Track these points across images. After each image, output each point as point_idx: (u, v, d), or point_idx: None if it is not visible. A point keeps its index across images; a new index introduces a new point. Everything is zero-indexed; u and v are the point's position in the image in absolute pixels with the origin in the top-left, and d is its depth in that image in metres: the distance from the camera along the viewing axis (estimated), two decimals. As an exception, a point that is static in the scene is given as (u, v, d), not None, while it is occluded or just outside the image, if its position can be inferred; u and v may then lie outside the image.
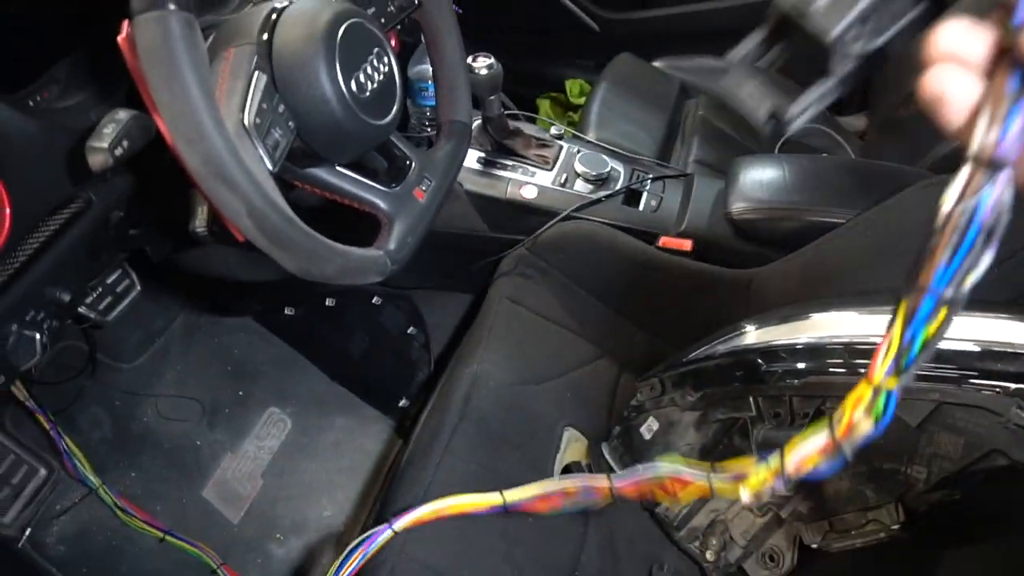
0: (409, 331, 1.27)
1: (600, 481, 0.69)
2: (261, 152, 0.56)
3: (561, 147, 1.16)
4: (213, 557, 1.11)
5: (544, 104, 1.79)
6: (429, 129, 1.21)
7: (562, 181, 1.11)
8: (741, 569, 0.96)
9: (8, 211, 0.52)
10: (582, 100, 1.78)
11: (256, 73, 0.59)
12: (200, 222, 0.64)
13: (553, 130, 1.19)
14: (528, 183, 1.10)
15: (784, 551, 0.93)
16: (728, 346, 0.93)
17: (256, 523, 1.17)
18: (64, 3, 0.68)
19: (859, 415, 0.36)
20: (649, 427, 1.01)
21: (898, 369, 0.34)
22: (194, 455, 1.23)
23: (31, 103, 0.63)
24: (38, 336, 0.63)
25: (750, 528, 0.92)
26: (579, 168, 1.11)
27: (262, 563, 1.13)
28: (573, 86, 1.78)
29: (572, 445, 1.02)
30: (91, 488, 1.14)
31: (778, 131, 0.38)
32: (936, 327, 0.33)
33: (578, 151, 1.14)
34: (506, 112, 1.12)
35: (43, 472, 1.13)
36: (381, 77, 0.67)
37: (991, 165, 0.30)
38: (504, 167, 1.12)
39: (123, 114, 0.58)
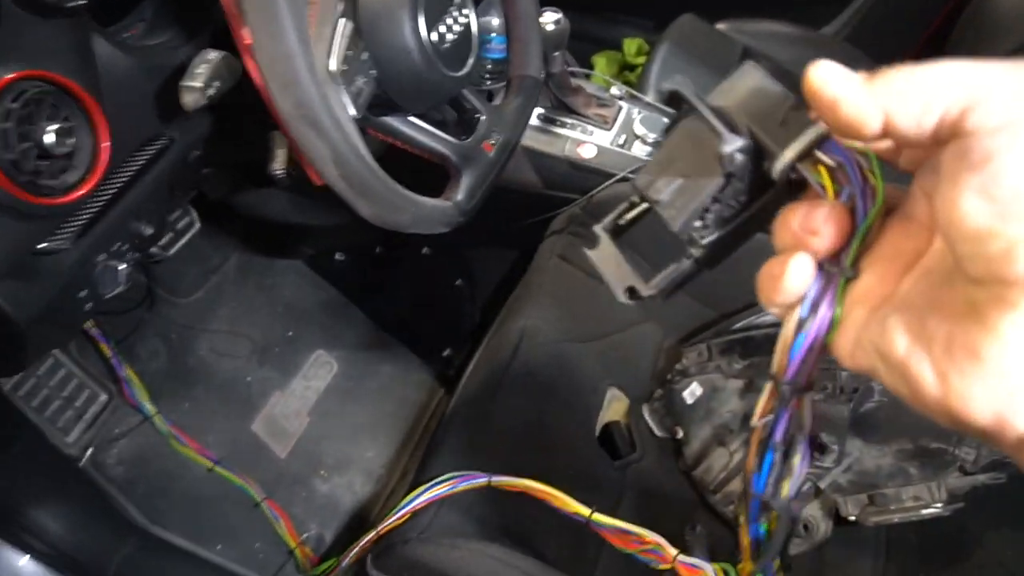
0: (457, 283, 1.29)
1: (666, 551, 0.73)
2: (346, 99, 0.57)
3: (620, 107, 1.15)
4: (257, 491, 1.16)
5: (600, 62, 1.77)
6: (489, 82, 1.20)
7: (621, 142, 1.10)
8: (773, 536, 0.98)
9: (107, 144, 0.54)
10: (639, 60, 1.75)
11: (342, 20, 0.60)
12: (279, 164, 0.66)
13: (614, 90, 1.18)
14: (587, 142, 1.10)
15: (819, 521, 0.94)
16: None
17: (302, 459, 1.22)
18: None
19: None
20: (692, 392, 1.02)
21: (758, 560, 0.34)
22: (245, 390, 1.27)
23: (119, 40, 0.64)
24: (122, 267, 0.65)
25: (787, 497, 0.94)
26: (638, 130, 1.10)
27: (307, 497, 1.18)
28: (631, 45, 1.75)
29: (613, 405, 1.04)
30: (147, 416, 1.19)
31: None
32: (774, 524, 0.33)
33: (638, 113, 1.13)
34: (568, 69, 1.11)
35: (104, 397, 1.18)
36: (460, 28, 0.67)
37: (786, 386, 0.30)
38: (563, 125, 1.12)
39: (213, 55, 0.59)
